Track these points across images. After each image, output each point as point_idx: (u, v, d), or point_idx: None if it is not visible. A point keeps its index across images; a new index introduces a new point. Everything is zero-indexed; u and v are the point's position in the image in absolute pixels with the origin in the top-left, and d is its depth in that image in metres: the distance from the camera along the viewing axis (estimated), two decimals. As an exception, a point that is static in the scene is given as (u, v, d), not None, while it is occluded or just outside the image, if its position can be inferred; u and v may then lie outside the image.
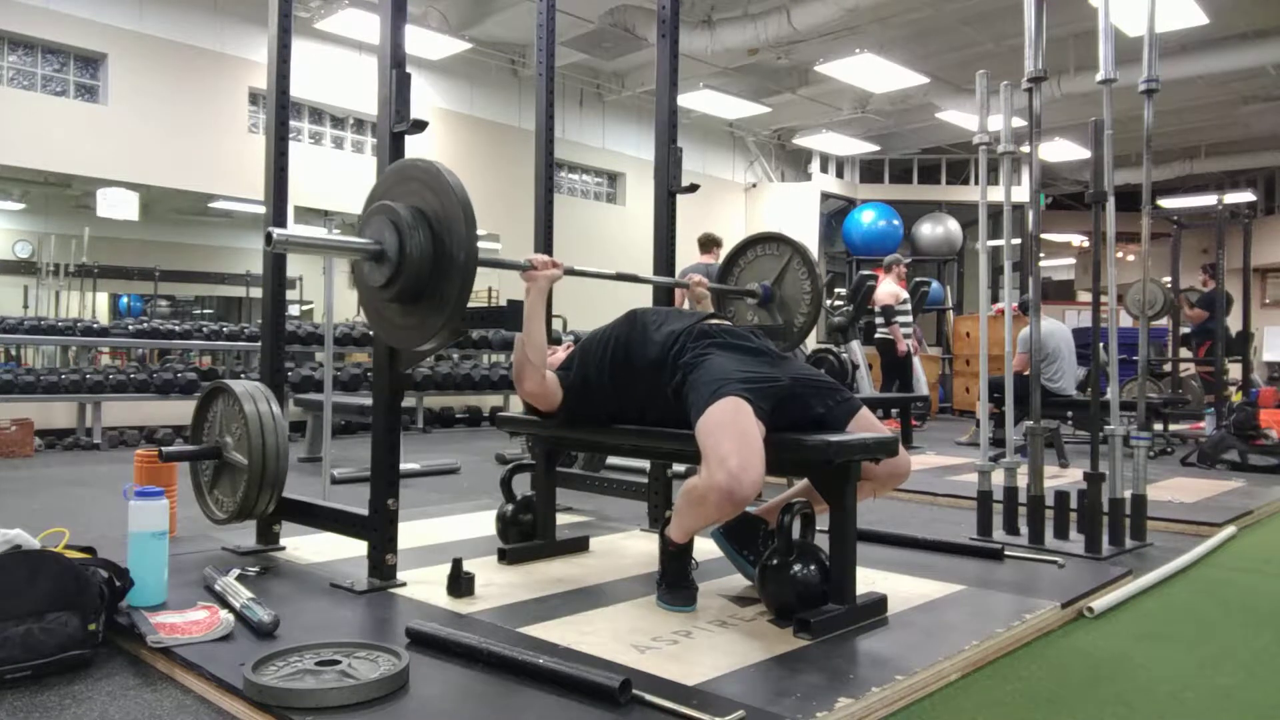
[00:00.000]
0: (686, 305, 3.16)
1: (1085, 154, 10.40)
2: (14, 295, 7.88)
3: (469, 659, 1.86)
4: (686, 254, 4.56)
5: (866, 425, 2.31)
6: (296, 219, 6.92)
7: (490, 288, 9.64)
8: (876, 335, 7.95)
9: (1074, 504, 3.23)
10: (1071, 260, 15.73)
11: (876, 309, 7.84)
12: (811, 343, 10.35)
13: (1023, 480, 3.31)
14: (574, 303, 7.05)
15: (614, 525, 3.43)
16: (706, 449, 2.06)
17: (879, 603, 2.24)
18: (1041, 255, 3.56)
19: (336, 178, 8.16)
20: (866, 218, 12.62)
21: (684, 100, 9.27)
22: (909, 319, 7.96)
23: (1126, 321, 8.57)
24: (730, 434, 2.04)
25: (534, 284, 2.52)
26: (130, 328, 6.81)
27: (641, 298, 3.41)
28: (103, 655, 1.94)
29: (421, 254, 2.12)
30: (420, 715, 1.62)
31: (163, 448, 2.78)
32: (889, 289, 7.87)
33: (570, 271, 2.66)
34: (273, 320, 3.03)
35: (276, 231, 2.09)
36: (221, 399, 2.79)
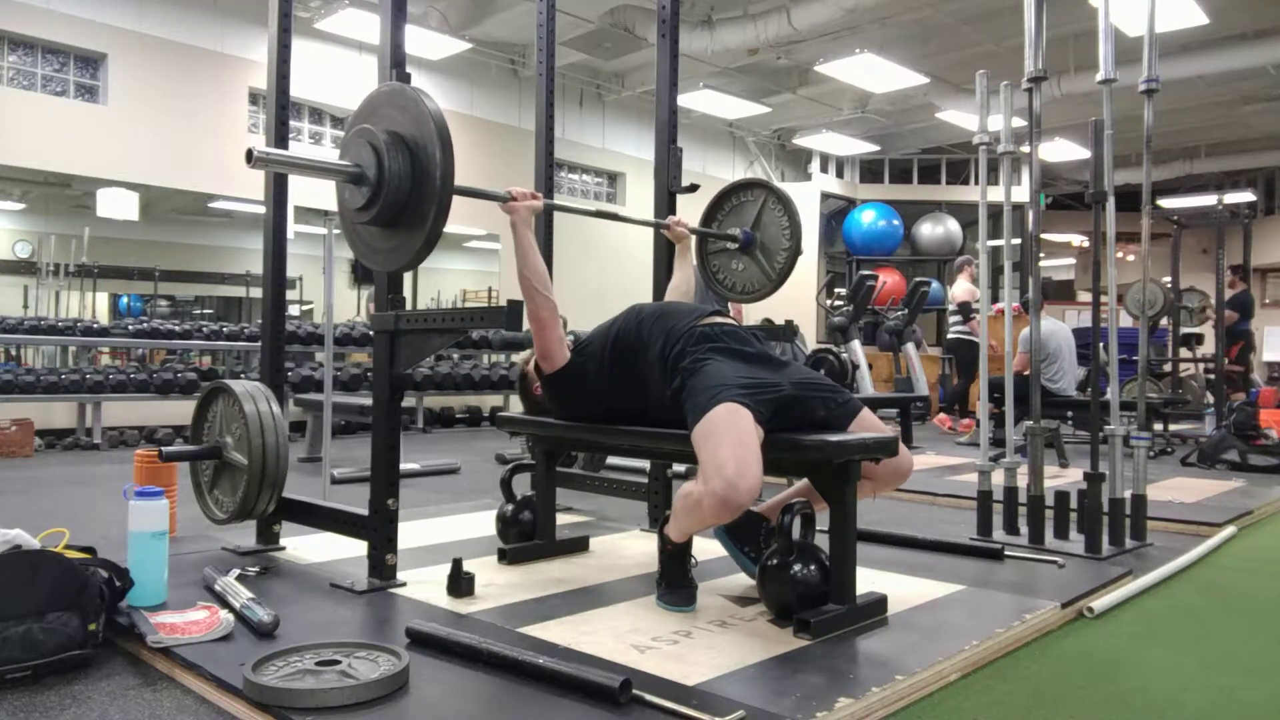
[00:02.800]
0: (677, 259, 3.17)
1: (1085, 154, 10.40)
2: (14, 295, 7.88)
3: (469, 659, 1.86)
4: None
5: (868, 426, 2.30)
6: (296, 219, 6.91)
7: (490, 288, 9.64)
8: (951, 334, 7.88)
9: (1074, 504, 3.23)
10: (1071, 260, 15.72)
11: (952, 307, 7.83)
12: (811, 343, 10.37)
13: (1023, 480, 3.31)
14: (574, 303, 7.05)
15: (614, 525, 3.43)
16: (703, 455, 2.06)
17: (879, 603, 2.23)
18: (1041, 255, 3.56)
19: (336, 178, 8.15)
20: (866, 218, 12.62)
21: (684, 100, 9.27)
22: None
23: (1126, 321, 8.57)
24: (727, 440, 2.03)
25: (516, 215, 2.53)
26: (130, 328, 6.81)
27: (643, 296, 3.41)
28: (103, 655, 1.94)
29: (399, 175, 2.15)
30: (420, 715, 1.62)
31: (163, 448, 2.78)
32: (965, 286, 7.78)
33: (550, 206, 2.69)
34: (273, 320, 3.03)
35: (257, 150, 2.13)
36: (221, 399, 2.79)
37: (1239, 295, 8.33)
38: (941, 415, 8.54)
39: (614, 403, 2.54)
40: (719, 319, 2.43)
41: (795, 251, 3.22)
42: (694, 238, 3.20)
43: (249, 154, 2.11)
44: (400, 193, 2.16)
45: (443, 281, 9.98)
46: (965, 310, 7.65)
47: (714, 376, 2.20)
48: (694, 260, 3.20)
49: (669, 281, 3.20)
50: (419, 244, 2.16)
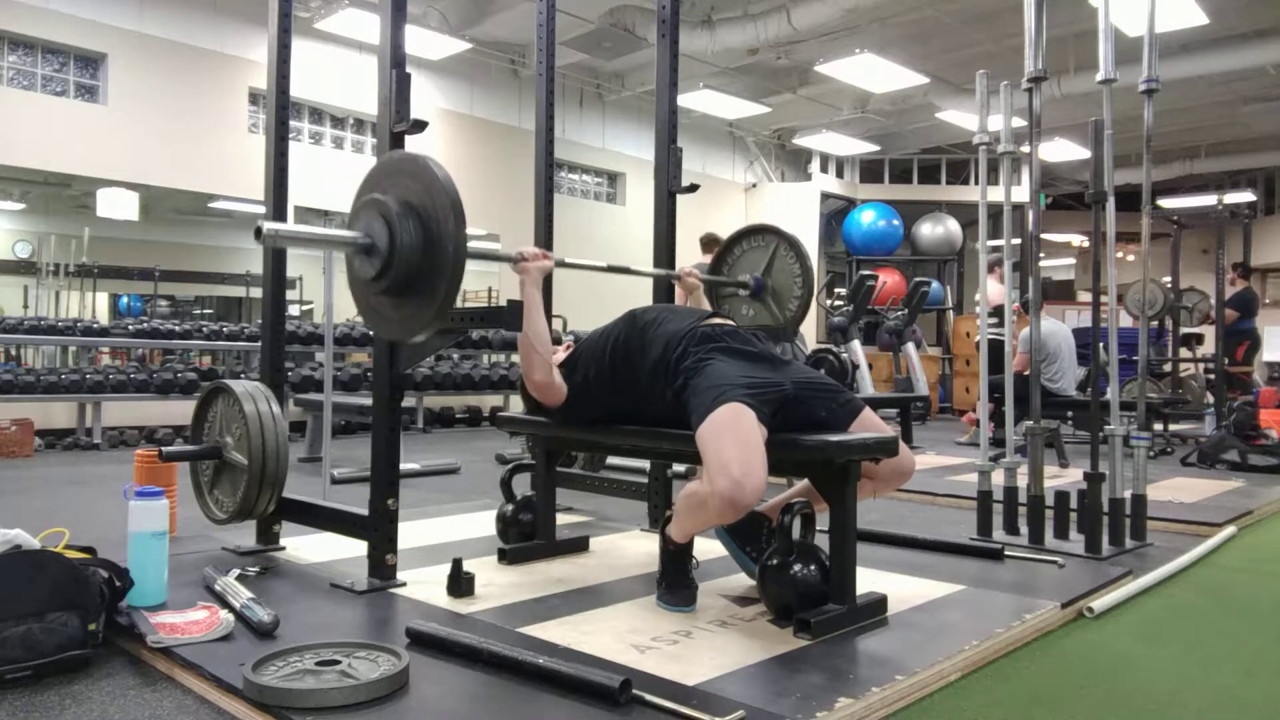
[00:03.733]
0: (688, 303, 3.16)
1: (1085, 154, 10.40)
2: (14, 295, 7.88)
3: (469, 659, 1.86)
4: (686, 254, 4.55)
5: (869, 426, 2.30)
6: (296, 219, 6.92)
7: (490, 288, 9.64)
8: (991, 334, 7.77)
9: (1074, 504, 3.23)
10: (1071, 260, 15.73)
11: (988, 308, 7.66)
12: (812, 343, 10.37)
13: (1023, 480, 3.31)
14: (574, 302, 7.05)
15: (614, 525, 3.43)
16: (708, 456, 2.05)
17: (879, 603, 2.23)
18: (1041, 255, 3.56)
19: (337, 178, 8.16)
20: (866, 218, 12.62)
21: (684, 100, 9.27)
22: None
23: (1126, 321, 8.57)
24: (732, 441, 2.03)
25: (526, 275, 2.55)
26: (130, 328, 6.81)
27: (643, 296, 3.41)
28: (103, 655, 1.94)
29: (411, 246, 2.13)
30: (420, 715, 1.62)
31: (163, 448, 2.78)
32: (998, 288, 7.51)
33: (561, 263, 2.67)
34: (273, 320, 3.03)
35: (266, 225, 2.11)
36: (221, 399, 2.79)
37: (1240, 293, 8.28)
38: (970, 415, 8.34)
39: (614, 406, 2.55)
40: (719, 320, 2.44)
41: (808, 299, 3.19)
42: (703, 286, 3.17)
43: (257, 231, 2.08)
44: (411, 263, 2.12)
45: (443, 281, 9.96)
46: (999, 314, 7.59)
47: (717, 376, 2.20)
48: (705, 305, 3.15)
49: (668, 293, 3.20)
50: (430, 314, 2.13)
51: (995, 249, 8.93)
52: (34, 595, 1.83)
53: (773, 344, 2.62)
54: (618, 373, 2.47)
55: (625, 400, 2.50)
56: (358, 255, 2.22)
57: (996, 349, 7.54)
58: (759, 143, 12.45)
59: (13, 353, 7.76)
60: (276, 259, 3.03)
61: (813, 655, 1.94)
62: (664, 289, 3.36)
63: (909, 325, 8.56)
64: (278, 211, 3.01)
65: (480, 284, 9.99)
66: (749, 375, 2.21)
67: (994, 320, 7.41)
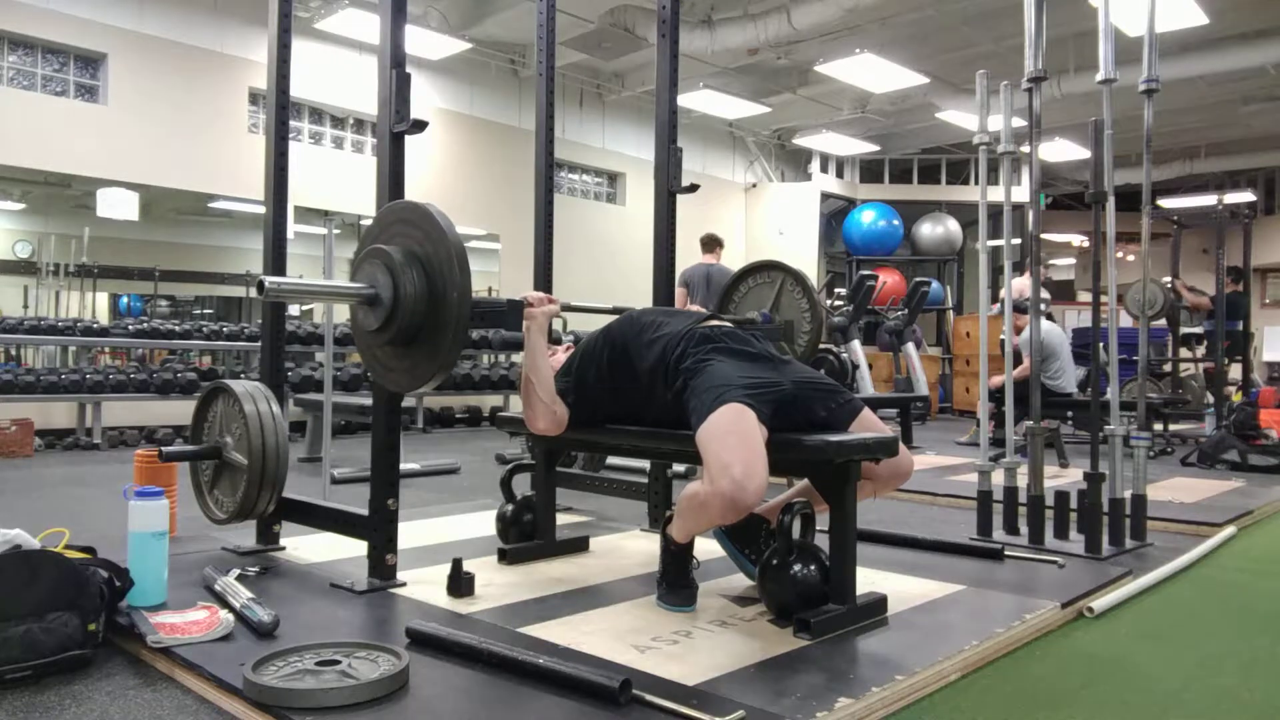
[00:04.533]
0: (680, 305, 3.15)
1: (1085, 154, 10.40)
2: (14, 295, 7.88)
3: (469, 659, 1.86)
4: (686, 254, 4.57)
5: (869, 426, 2.30)
6: (296, 219, 6.92)
7: (490, 288, 9.64)
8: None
9: (1074, 504, 3.23)
10: (1071, 260, 15.73)
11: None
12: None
13: (1023, 480, 3.31)
14: (574, 302, 7.04)
15: (614, 525, 3.43)
16: (709, 456, 2.05)
17: (879, 603, 2.23)
18: (1041, 255, 3.55)
19: (336, 178, 8.16)
20: (866, 218, 12.62)
21: (684, 100, 9.27)
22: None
23: (1126, 321, 8.56)
24: (733, 441, 2.03)
25: (532, 322, 2.50)
26: (130, 328, 6.81)
27: (644, 295, 3.41)
28: (103, 655, 1.94)
29: (415, 297, 2.11)
30: (420, 715, 1.62)
31: (163, 448, 2.78)
32: (1022, 282, 7.24)
33: (568, 307, 2.63)
34: (273, 320, 3.03)
35: (269, 281, 2.09)
36: (221, 399, 2.79)
37: (1229, 295, 8.26)
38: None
39: (613, 407, 2.54)
40: (717, 321, 2.44)
41: (818, 332, 3.18)
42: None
43: (260, 285, 2.07)
44: (415, 315, 2.11)
45: (442, 281, 9.97)
46: (1019, 309, 7.40)
47: (717, 376, 2.19)
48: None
49: (669, 291, 3.20)
50: (436, 366, 2.12)
51: (1064, 243, 8.55)
52: (34, 595, 1.83)
53: (771, 344, 2.61)
54: (617, 374, 2.47)
55: (624, 401, 2.50)
56: (361, 307, 2.21)
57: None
58: (759, 143, 12.45)
59: (13, 353, 7.76)
60: (277, 260, 3.02)
61: (813, 655, 1.94)
62: (664, 290, 3.36)
63: (909, 325, 8.56)
64: (278, 211, 3.01)
65: (480, 284, 9.99)
66: (749, 375, 2.21)
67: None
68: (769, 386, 2.20)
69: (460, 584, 2.36)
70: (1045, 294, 7.12)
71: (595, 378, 2.50)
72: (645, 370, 2.38)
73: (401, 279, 2.11)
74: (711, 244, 6.70)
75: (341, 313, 8.04)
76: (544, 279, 3.39)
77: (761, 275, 3.36)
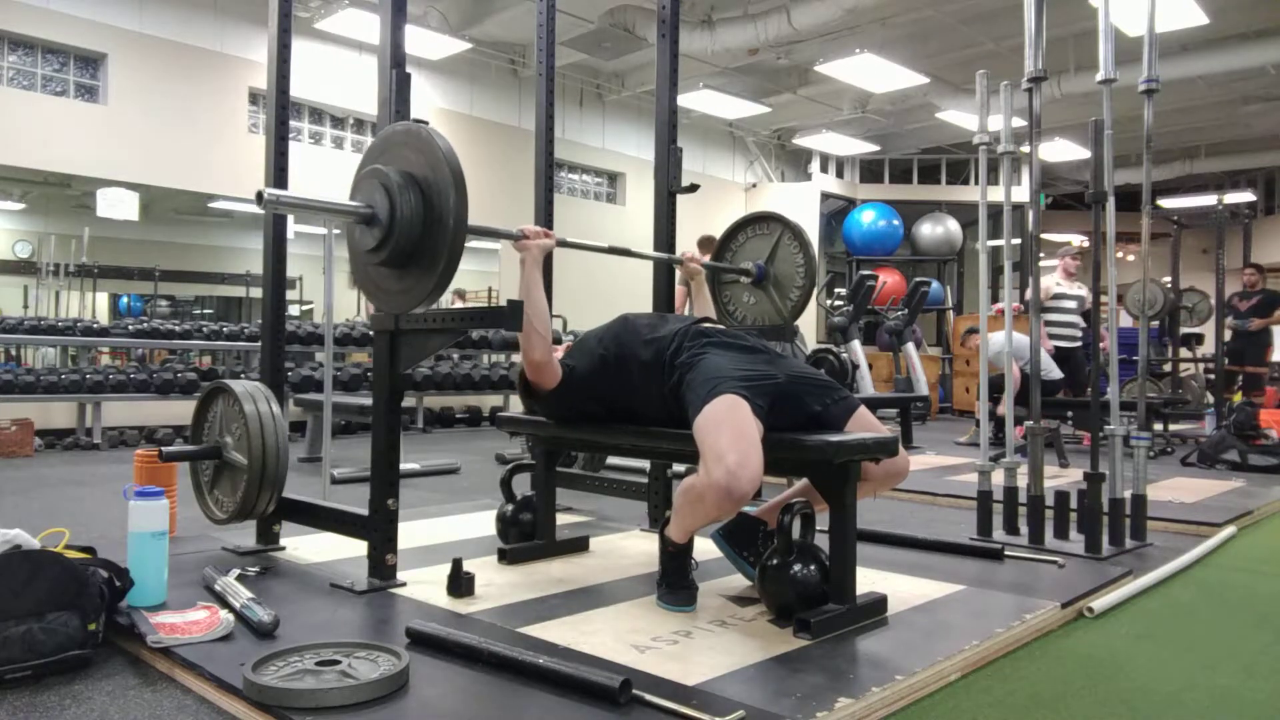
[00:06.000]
0: (689, 295, 3.13)
1: (1085, 154, 10.40)
2: (14, 295, 7.89)
3: (469, 659, 1.86)
4: (686, 254, 4.56)
5: (865, 424, 2.31)
6: (296, 219, 6.91)
7: (490, 288, 9.64)
8: (1061, 342, 6.91)
9: (1074, 504, 3.23)
10: (1071, 260, 15.71)
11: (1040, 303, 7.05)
12: (811, 343, 10.37)
13: (1023, 480, 3.31)
14: (575, 303, 7.05)
15: (614, 525, 3.43)
16: (704, 446, 2.06)
17: (879, 603, 2.23)
18: (1041, 255, 3.56)
19: (336, 178, 8.15)
20: (866, 218, 12.62)
21: (684, 100, 9.27)
22: (1065, 316, 6.92)
23: (1127, 321, 8.57)
24: (727, 431, 2.04)
25: (527, 253, 2.53)
26: (130, 328, 6.81)
27: (644, 296, 3.41)
28: (103, 655, 1.94)
29: (412, 217, 2.13)
30: (420, 715, 1.62)
31: (163, 448, 2.78)
32: (1048, 281, 6.97)
33: (563, 243, 2.68)
34: (273, 320, 3.03)
35: (268, 191, 2.10)
36: (221, 399, 2.79)
37: (1268, 296, 7.99)
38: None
39: (607, 408, 2.55)
40: (712, 323, 2.46)
41: (810, 288, 3.18)
42: (705, 273, 3.14)
43: (259, 195, 2.08)
44: (412, 235, 2.13)
45: (443, 281, 9.96)
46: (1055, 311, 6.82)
47: (712, 369, 2.21)
48: (708, 295, 3.09)
49: (669, 292, 3.19)
50: (430, 286, 2.13)
51: (1064, 243, 8.21)
52: (34, 595, 1.83)
53: (771, 345, 2.62)
54: (611, 372, 2.47)
55: (619, 401, 2.50)
56: (358, 225, 2.23)
57: (1064, 356, 6.72)
58: (759, 143, 12.45)
59: (13, 353, 7.76)
60: (276, 260, 3.02)
61: (813, 655, 1.94)
62: (664, 291, 3.36)
63: (909, 325, 8.56)
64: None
65: (480, 284, 9.99)
66: (743, 368, 2.22)
67: (1061, 319, 6.83)
68: (763, 379, 2.21)
69: (460, 584, 2.36)
70: (1084, 290, 6.93)
71: (591, 373, 2.51)
72: (640, 368, 2.40)
73: (399, 199, 2.12)
74: (710, 244, 6.68)
75: (341, 313, 8.02)
76: (544, 278, 3.38)
77: (760, 226, 3.34)
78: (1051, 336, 6.75)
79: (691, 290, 3.07)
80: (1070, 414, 6.61)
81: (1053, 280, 6.96)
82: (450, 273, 2.11)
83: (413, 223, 2.13)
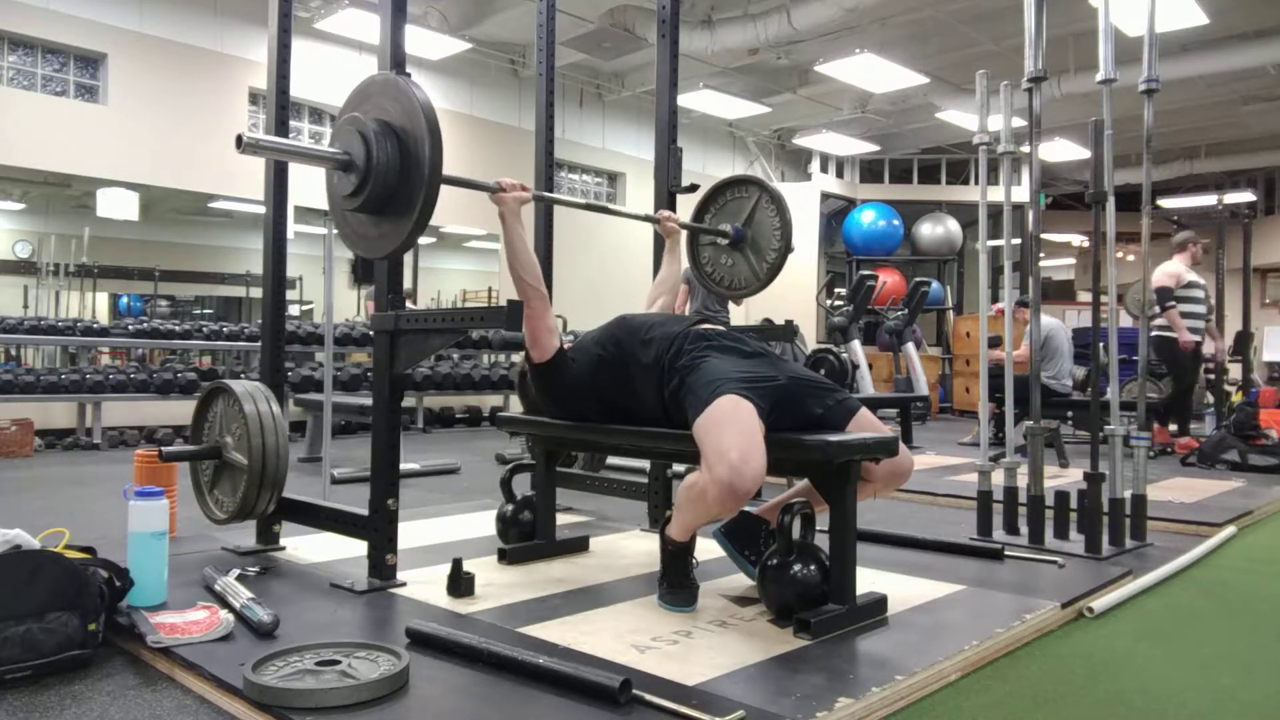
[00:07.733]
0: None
1: (1085, 154, 10.40)
2: (14, 295, 7.88)
3: (469, 659, 1.86)
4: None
5: (866, 425, 2.31)
6: (296, 219, 6.92)
7: (490, 288, 9.64)
8: (1153, 332, 6.19)
9: (1074, 504, 3.23)
10: (1071, 260, 15.73)
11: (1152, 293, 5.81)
12: (811, 343, 10.37)
13: (1023, 480, 3.31)
14: (575, 303, 7.05)
15: (614, 525, 3.43)
16: (706, 444, 2.06)
17: (879, 603, 2.24)
18: (1041, 255, 3.56)
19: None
20: (866, 218, 12.62)
21: (684, 100, 9.27)
22: (1197, 308, 6.32)
23: (1126, 321, 8.56)
24: (730, 428, 2.04)
25: (504, 205, 2.50)
26: (130, 328, 6.81)
27: (641, 294, 3.41)
28: (103, 655, 1.94)
29: (388, 164, 2.15)
30: (420, 715, 1.62)
31: (163, 448, 2.78)
32: (1170, 269, 6.25)
33: (539, 198, 2.68)
34: (273, 320, 3.03)
35: (247, 135, 2.11)
36: (221, 399, 2.79)
37: None
38: (1156, 428, 6.54)
39: (605, 409, 2.54)
40: (710, 326, 2.46)
41: (785, 251, 3.20)
42: (684, 233, 3.18)
43: (239, 140, 2.11)
44: (388, 181, 2.16)
45: (443, 281, 9.98)
46: (1163, 297, 6.08)
47: (713, 371, 2.21)
48: (683, 256, 3.18)
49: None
50: (406, 231, 2.16)
51: (1183, 228, 7.68)
52: (34, 595, 1.83)
53: (771, 345, 2.62)
54: (609, 373, 2.47)
55: (620, 399, 2.50)
56: (337, 171, 2.25)
57: (1167, 348, 6.19)
58: (759, 143, 12.45)
59: (13, 353, 7.76)
60: (276, 260, 3.02)
61: (813, 655, 1.94)
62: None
63: (909, 325, 8.57)
64: (278, 211, 3.01)
65: (480, 284, 9.99)
66: (744, 370, 2.22)
67: (1195, 310, 6.27)
68: (765, 381, 2.21)
69: (460, 584, 2.36)
70: (1188, 277, 6.17)
71: (589, 373, 2.51)
72: (639, 370, 2.40)
73: (375, 147, 2.15)
74: None
75: (341, 313, 8.01)
76: (544, 278, 3.38)
77: (739, 189, 3.34)
78: (1195, 332, 6.24)
79: (667, 247, 3.12)
80: (1070, 414, 6.62)
81: (1182, 268, 6.26)
82: (425, 218, 2.13)
83: (389, 169, 2.16)
